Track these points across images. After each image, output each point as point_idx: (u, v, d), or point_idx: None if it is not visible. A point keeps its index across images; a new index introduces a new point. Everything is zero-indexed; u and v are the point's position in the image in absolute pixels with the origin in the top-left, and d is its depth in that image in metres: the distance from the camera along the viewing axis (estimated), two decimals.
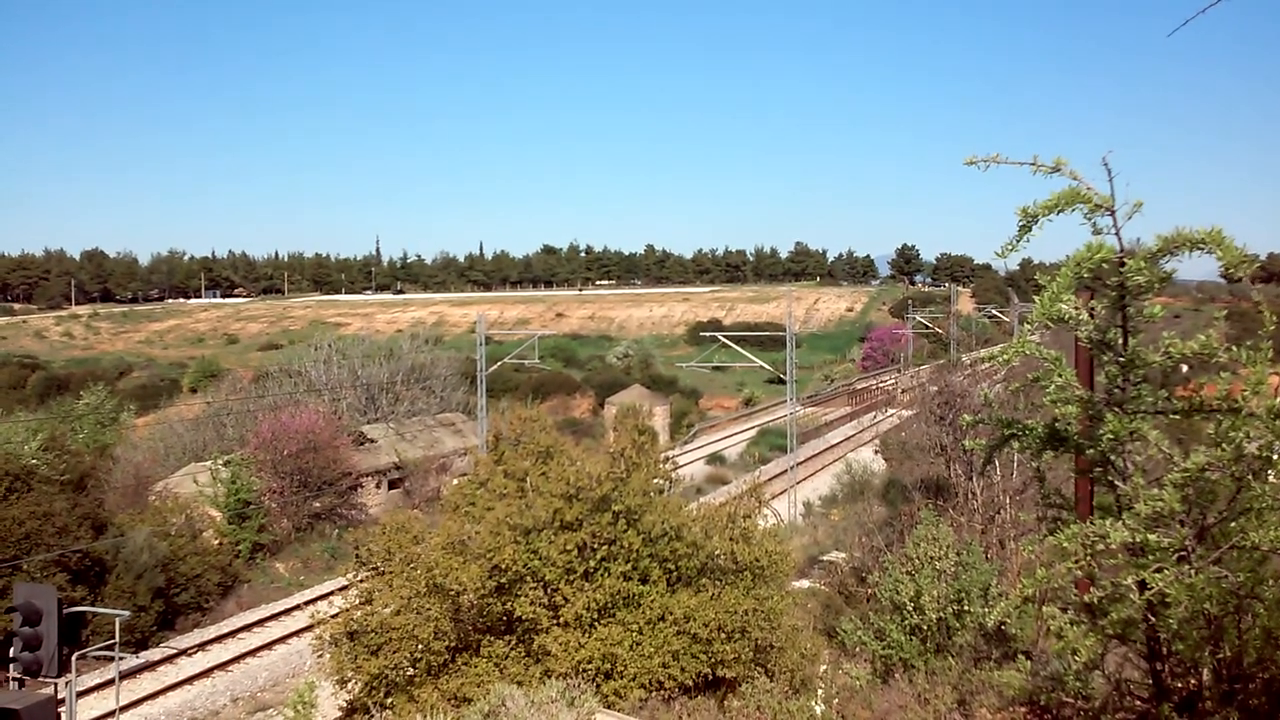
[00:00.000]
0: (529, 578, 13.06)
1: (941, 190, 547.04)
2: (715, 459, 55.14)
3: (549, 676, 12.07)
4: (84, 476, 32.93)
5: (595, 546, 13.29)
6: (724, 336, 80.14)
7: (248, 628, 29.08)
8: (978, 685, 10.25)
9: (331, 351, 59.65)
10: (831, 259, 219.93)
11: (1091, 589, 6.28)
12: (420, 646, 13.05)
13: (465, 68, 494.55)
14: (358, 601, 14.07)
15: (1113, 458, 6.32)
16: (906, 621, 14.01)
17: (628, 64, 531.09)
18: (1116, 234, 6.03)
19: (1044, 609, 7.01)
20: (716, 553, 14.26)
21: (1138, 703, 6.92)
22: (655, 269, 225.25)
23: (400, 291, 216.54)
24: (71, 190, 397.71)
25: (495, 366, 48.72)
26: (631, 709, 12.13)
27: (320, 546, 37.42)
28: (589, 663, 12.68)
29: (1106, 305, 6.29)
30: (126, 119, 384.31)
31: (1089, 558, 5.98)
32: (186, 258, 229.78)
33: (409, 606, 13.15)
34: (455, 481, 28.93)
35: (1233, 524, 5.94)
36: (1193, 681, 6.59)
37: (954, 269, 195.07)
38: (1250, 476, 5.77)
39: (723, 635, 13.14)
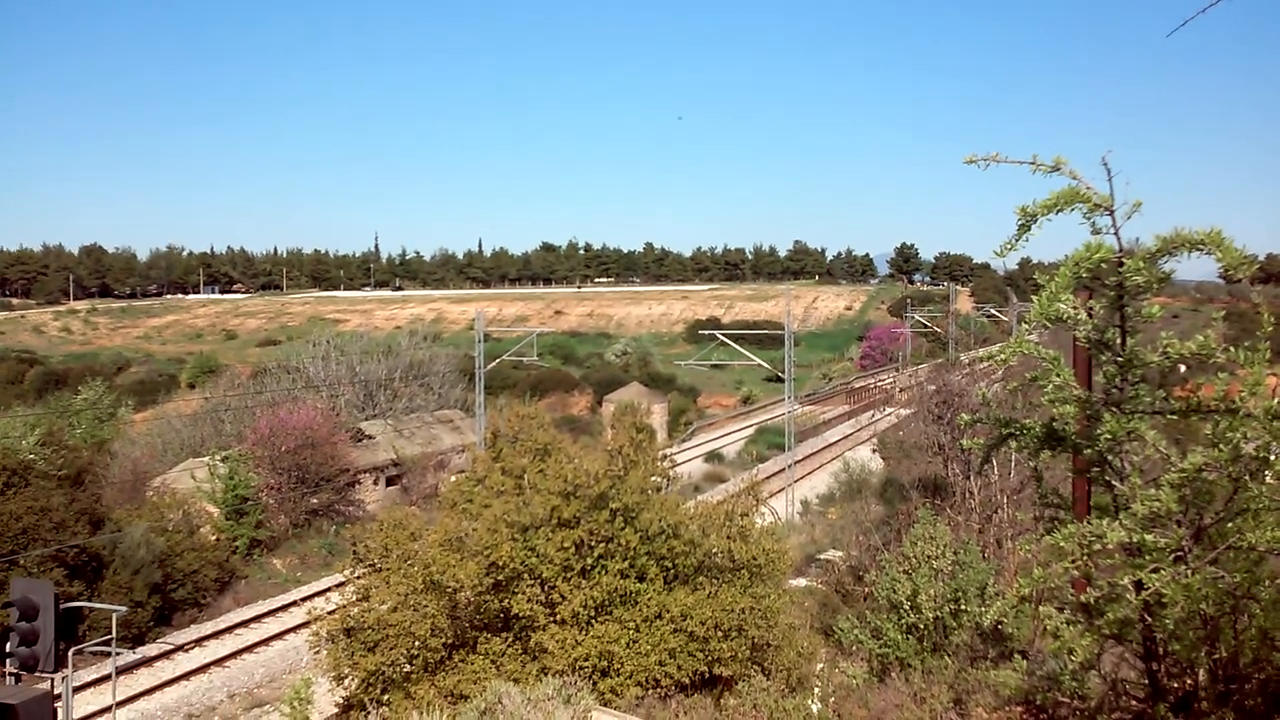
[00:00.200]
0: (526, 575, 13.06)
1: (941, 189, 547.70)
2: (713, 457, 55.17)
3: (546, 674, 12.07)
4: (81, 472, 32.92)
5: (593, 544, 13.29)
6: (722, 335, 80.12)
7: (245, 624, 29.08)
8: (974, 684, 10.25)
9: (330, 348, 59.59)
10: (830, 258, 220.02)
11: (1088, 589, 6.28)
12: (417, 643, 13.05)
13: (465, 65, 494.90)
14: (355, 598, 14.06)
15: (1110, 458, 6.31)
16: (903, 620, 14.02)
17: (627, 63, 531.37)
18: (1115, 234, 6.02)
19: (1040, 609, 7.02)
20: (714, 551, 14.26)
21: (1134, 703, 6.92)
22: (654, 267, 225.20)
23: (399, 288, 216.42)
24: (70, 185, 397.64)
25: (494, 364, 48.71)
26: (628, 707, 12.12)
27: (318, 543, 37.42)
28: (586, 660, 12.68)
29: (1105, 305, 6.28)
30: (125, 115, 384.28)
31: (1086, 557, 5.98)
32: (185, 253, 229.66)
33: (406, 603, 13.14)
34: (453, 478, 28.90)
35: (1229, 524, 5.94)
36: (1189, 682, 6.59)
37: (953, 268, 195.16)
38: (1247, 477, 5.77)
39: (719, 633, 13.15)
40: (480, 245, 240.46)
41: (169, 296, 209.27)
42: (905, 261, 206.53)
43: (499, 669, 12.86)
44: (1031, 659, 8.36)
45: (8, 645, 14.38)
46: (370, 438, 46.84)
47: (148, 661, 25.81)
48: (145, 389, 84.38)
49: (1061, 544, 5.97)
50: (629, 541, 13.30)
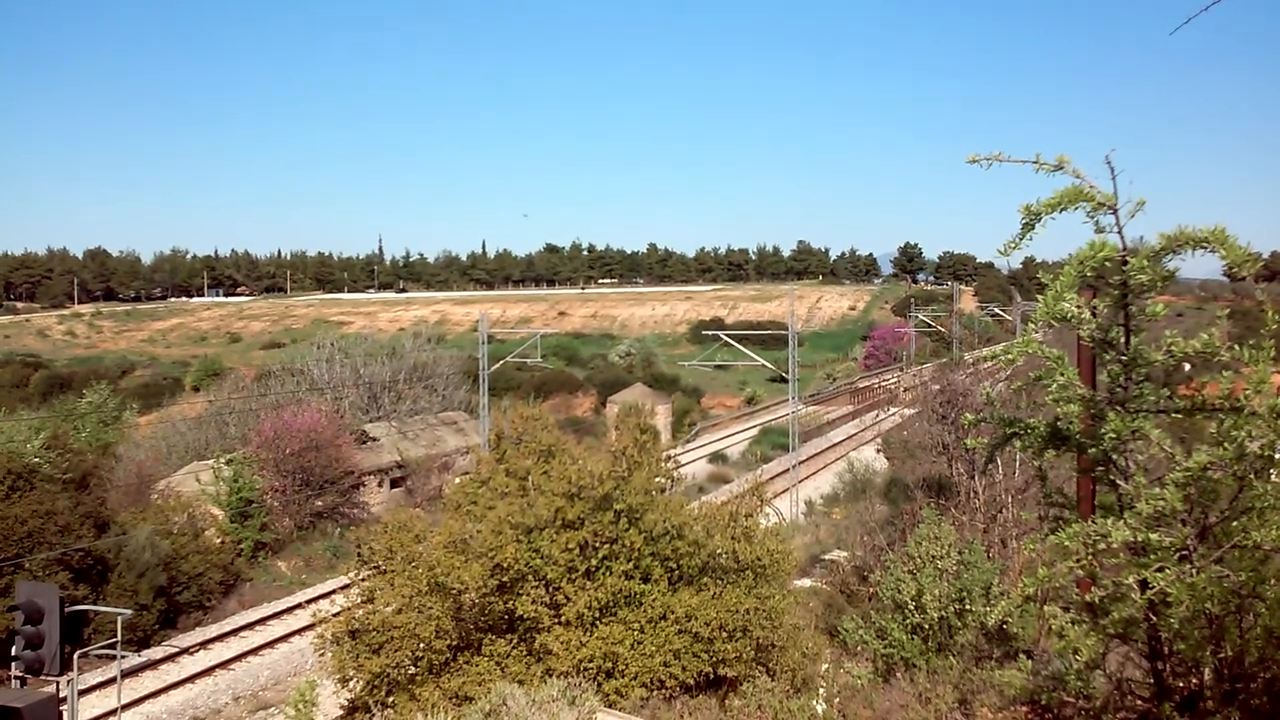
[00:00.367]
0: (530, 576, 13.06)
1: (944, 189, 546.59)
2: (717, 458, 55.13)
3: (550, 675, 12.07)
4: (86, 475, 32.94)
5: (597, 545, 13.29)
6: (726, 335, 79.89)
7: (249, 626, 29.10)
8: (979, 684, 10.24)
9: (334, 350, 59.70)
10: (834, 257, 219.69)
11: (1093, 588, 6.27)
12: (422, 645, 13.06)
13: (468, 66, 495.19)
14: (359, 600, 14.07)
15: (1115, 457, 6.30)
16: (908, 620, 14.00)
17: (630, 63, 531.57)
18: (1119, 232, 6.01)
19: (1045, 608, 6.99)
20: (718, 551, 14.25)
21: (1139, 702, 6.90)
22: (658, 267, 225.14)
23: (403, 290, 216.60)
24: (74, 189, 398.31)
25: (497, 365, 48.72)
26: (633, 708, 12.12)
27: (322, 545, 37.45)
28: (590, 661, 12.68)
29: (1109, 304, 6.27)
30: (129, 118, 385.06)
31: (1090, 557, 5.97)
32: (189, 256, 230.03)
33: (411, 605, 13.15)
34: (457, 480, 28.94)
35: (1234, 523, 5.93)
36: (1194, 681, 6.57)
37: (956, 267, 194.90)
38: (1252, 475, 5.76)
39: (724, 634, 13.14)
40: (484, 247, 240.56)
41: (173, 300, 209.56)
42: (909, 261, 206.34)
43: (504, 671, 12.86)
44: (1036, 658, 8.36)
45: (13, 649, 14.40)
46: (374, 440, 46.88)
47: (153, 664, 25.83)
48: (150, 392, 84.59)
49: (1066, 543, 5.97)
50: (633, 542, 13.29)
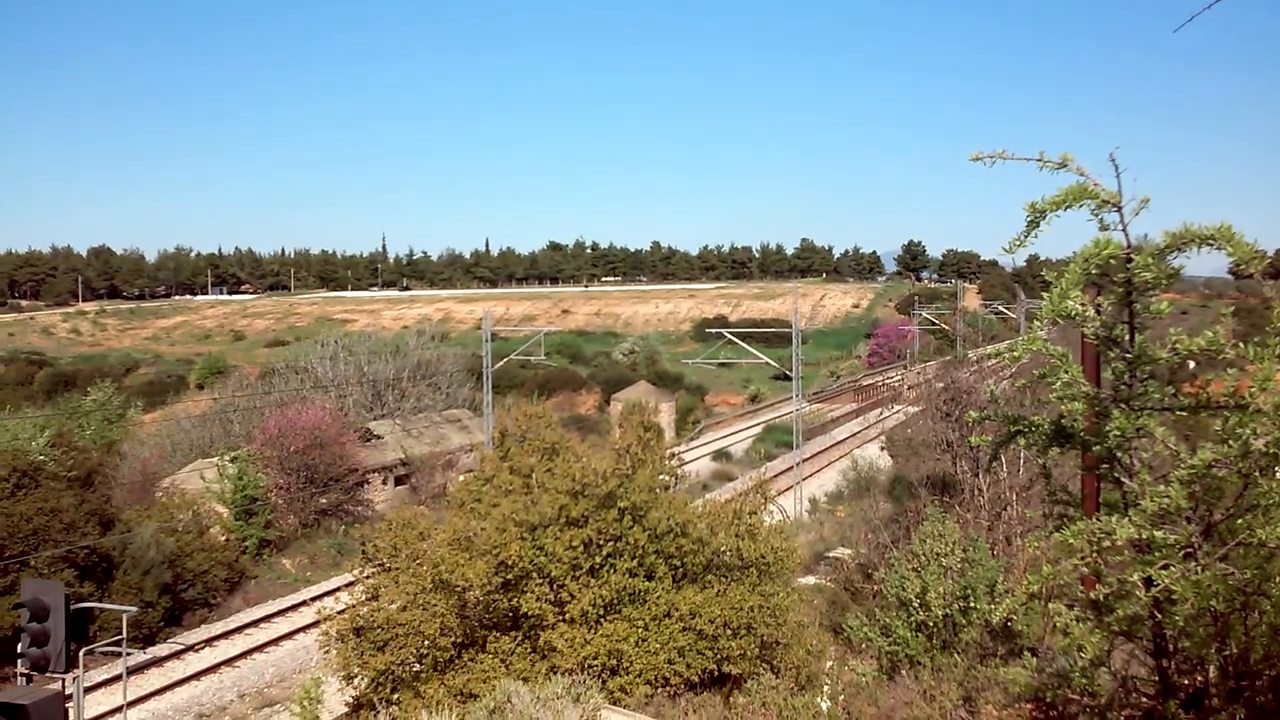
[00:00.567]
0: (535, 574, 13.08)
1: (948, 187, 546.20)
2: (721, 455, 55.15)
3: (555, 672, 12.09)
4: (91, 473, 33.02)
5: (601, 543, 13.30)
6: (730, 333, 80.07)
7: (254, 624, 29.17)
8: (983, 682, 10.24)
9: (338, 348, 59.75)
10: (837, 255, 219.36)
11: (1097, 586, 6.27)
12: (426, 642, 13.07)
13: (471, 65, 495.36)
14: (364, 598, 14.09)
15: (1119, 454, 6.30)
16: (912, 618, 14.00)
17: (633, 61, 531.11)
18: (1124, 230, 6.00)
19: (1050, 606, 6.99)
20: (722, 549, 14.26)
21: (1144, 699, 6.90)
22: (661, 265, 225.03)
23: (406, 288, 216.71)
24: (78, 187, 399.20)
25: (501, 363, 48.77)
26: (637, 705, 12.14)
27: (327, 543, 37.51)
28: (595, 659, 12.69)
29: (1113, 301, 6.27)
30: (133, 116, 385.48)
31: (1095, 554, 5.97)
32: (193, 254, 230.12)
33: (415, 603, 13.16)
34: (461, 478, 28.97)
35: (1239, 520, 5.93)
36: (1199, 678, 6.57)
37: (960, 265, 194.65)
38: (1257, 473, 5.75)
39: (728, 631, 13.15)
40: (487, 245, 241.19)
41: (177, 297, 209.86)
42: (913, 259, 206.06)
43: (508, 668, 12.88)
44: (1041, 656, 8.36)
45: (19, 646, 14.46)
46: (378, 437, 46.93)
47: (158, 661, 25.90)
48: (154, 390, 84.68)
49: (1071, 541, 5.96)
50: (637, 540, 13.30)
